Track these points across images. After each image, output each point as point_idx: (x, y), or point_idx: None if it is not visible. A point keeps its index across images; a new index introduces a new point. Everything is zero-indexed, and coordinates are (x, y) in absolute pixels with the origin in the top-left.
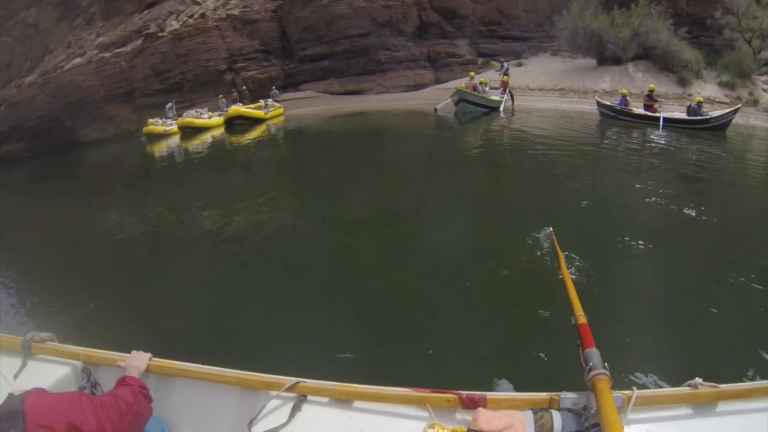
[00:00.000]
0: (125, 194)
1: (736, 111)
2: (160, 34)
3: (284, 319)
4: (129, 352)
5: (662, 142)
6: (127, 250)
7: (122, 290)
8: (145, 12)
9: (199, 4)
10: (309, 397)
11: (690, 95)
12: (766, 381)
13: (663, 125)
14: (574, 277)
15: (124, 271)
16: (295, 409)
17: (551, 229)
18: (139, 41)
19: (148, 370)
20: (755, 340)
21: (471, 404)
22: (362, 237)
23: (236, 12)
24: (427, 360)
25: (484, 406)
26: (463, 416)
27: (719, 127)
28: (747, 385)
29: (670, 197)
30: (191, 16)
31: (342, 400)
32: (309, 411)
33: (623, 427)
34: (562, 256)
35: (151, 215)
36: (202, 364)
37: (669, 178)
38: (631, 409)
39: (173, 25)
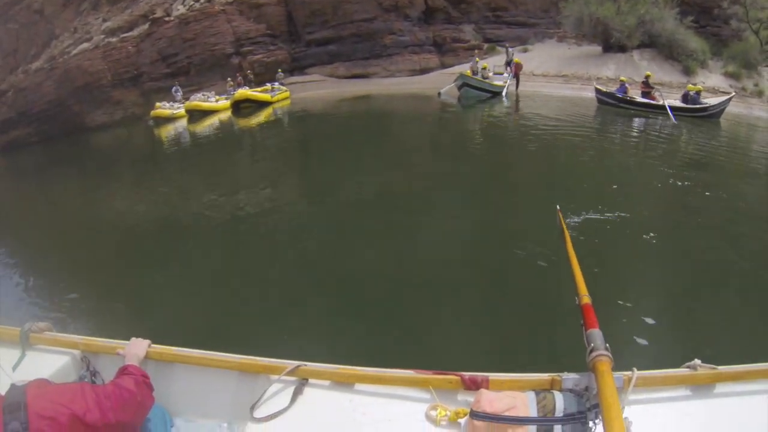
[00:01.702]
0: (132, 178)
1: (729, 100)
2: (166, 19)
3: (286, 302)
4: (128, 340)
5: (659, 128)
6: (130, 235)
7: (123, 276)
8: None
9: None
10: (310, 381)
11: (694, 84)
12: (763, 363)
13: (674, 115)
14: (578, 256)
15: (126, 255)
16: (297, 392)
17: (558, 207)
18: (146, 26)
19: (147, 356)
20: (755, 323)
21: (473, 386)
22: (365, 219)
23: None
24: (430, 342)
25: (487, 388)
26: (465, 398)
27: (714, 115)
28: (744, 367)
29: (672, 181)
30: (197, 1)
31: (344, 383)
32: (310, 394)
33: (621, 408)
34: (568, 234)
35: (156, 199)
36: (202, 349)
37: (670, 162)
38: (632, 389)
39: (180, 9)
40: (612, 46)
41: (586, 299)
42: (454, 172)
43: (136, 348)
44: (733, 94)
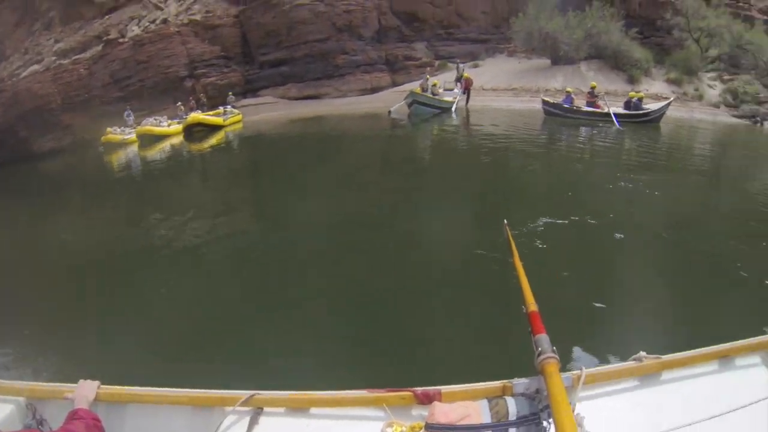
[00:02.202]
0: (80, 207)
1: (668, 104)
2: (120, 40)
3: (237, 330)
4: (76, 382)
5: (605, 135)
6: (76, 267)
7: (68, 312)
8: (106, 17)
9: (161, 9)
10: (265, 409)
11: (637, 91)
12: (703, 348)
13: (618, 121)
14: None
15: (71, 289)
16: (252, 422)
17: (505, 221)
18: (99, 47)
19: (97, 398)
20: (694, 311)
21: (426, 399)
22: (317, 241)
23: (199, 17)
24: (382, 360)
25: (440, 400)
26: (419, 412)
27: (655, 119)
28: (687, 353)
29: (620, 183)
30: (153, 22)
31: (299, 409)
32: (266, 423)
33: (572, 406)
34: (515, 246)
35: (105, 228)
36: (154, 386)
37: (617, 166)
38: (581, 387)
39: (134, 30)
40: (560, 58)
41: (533, 307)
42: (405, 188)
43: (85, 390)
44: (672, 98)
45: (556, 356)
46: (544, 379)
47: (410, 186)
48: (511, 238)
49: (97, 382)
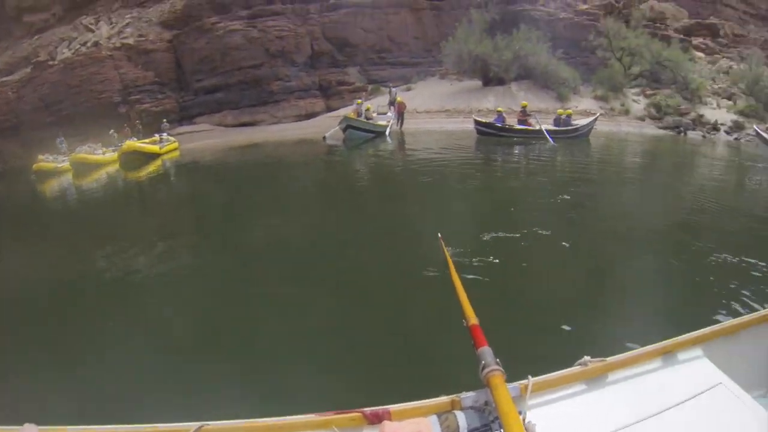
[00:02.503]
0: (8, 241)
1: (596, 119)
2: (50, 63)
3: (180, 361)
4: (10, 426)
5: (538, 151)
6: (5, 304)
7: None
8: (35, 38)
9: (92, 31)
10: None
11: (566, 108)
12: (647, 347)
13: (552, 139)
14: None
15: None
16: None
17: (439, 234)
18: (28, 69)
19: None
20: (632, 313)
21: (375, 419)
22: (253, 267)
23: (131, 41)
24: (328, 383)
25: (389, 419)
26: None
27: (584, 134)
28: (631, 353)
29: (554, 197)
30: (84, 44)
31: None
32: None
33: (522, 415)
34: (451, 261)
35: (37, 263)
36: (97, 424)
37: (550, 180)
38: (529, 395)
39: (65, 53)
40: (491, 79)
41: (474, 321)
42: (343, 211)
43: None
44: (599, 114)
45: (500, 368)
46: (490, 391)
47: (348, 208)
48: (446, 252)
49: (34, 425)
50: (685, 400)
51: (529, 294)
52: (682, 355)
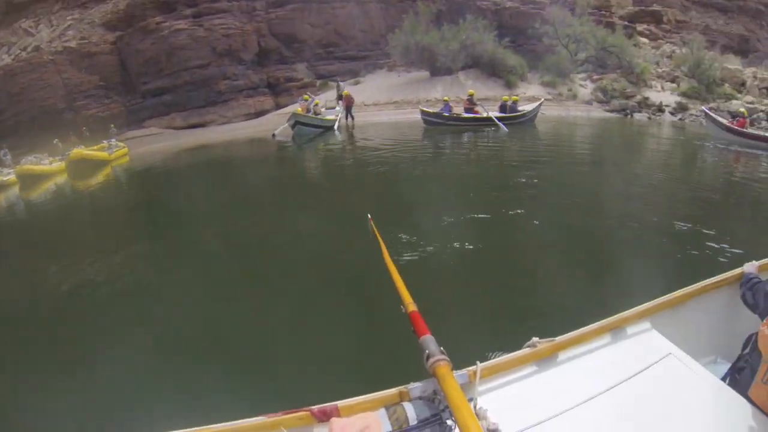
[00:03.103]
0: None
1: (541, 104)
2: None
3: (132, 372)
4: None
5: (486, 138)
6: None
7: None
8: None
9: (33, 35)
10: None
11: (512, 95)
12: (595, 324)
13: (503, 124)
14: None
15: None
16: None
17: (369, 215)
18: None
19: None
20: (579, 290)
21: (324, 416)
22: (205, 268)
23: (73, 44)
24: (273, 384)
25: (338, 416)
26: (319, 430)
27: (531, 119)
28: (579, 331)
29: (504, 180)
30: (24, 49)
31: None
32: None
33: (472, 401)
34: (383, 243)
35: None
36: None
37: (500, 165)
38: (479, 381)
39: (5, 59)
40: (439, 69)
41: (412, 307)
42: (292, 208)
43: None
44: (543, 99)
45: (446, 356)
46: (437, 381)
47: (297, 205)
48: (378, 235)
49: None
50: (636, 374)
51: (477, 277)
52: (630, 329)
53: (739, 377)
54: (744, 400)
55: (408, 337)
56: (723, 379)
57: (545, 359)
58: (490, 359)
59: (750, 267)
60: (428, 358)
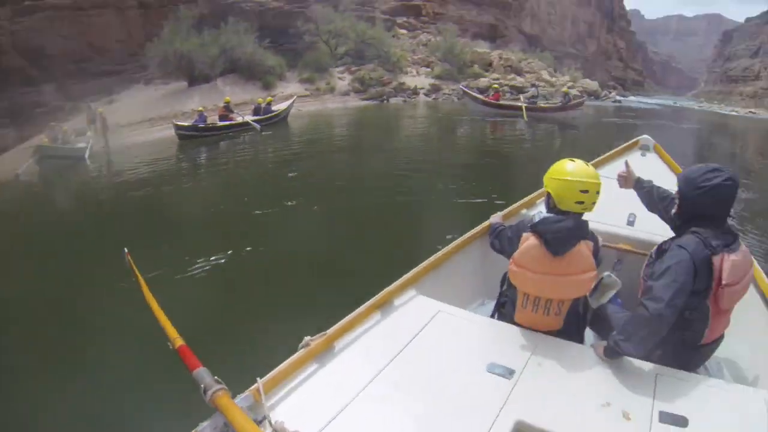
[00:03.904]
0: None
1: (293, 102)
2: None
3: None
4: None
5: (242, 144)
6: None
7: None
8: None
9: None
10: None
11: (266, 96)
12: (362, 305)
13: (260, 126)
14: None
15: None
16: None
17: (126, 250)
18: None
19: None
20: (349, 274)
21: None
22: None
23: None
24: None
25: None
26: None
27: (285, 118)
28: (349, 317)
29: (268, 182)
30: None
31: None
32: None
33: (258, 426)
34: (141, 278)
35: None
36: None
37: (261, 169)
38: (265, 397)
39: None
40: (197, 78)
41: (179, 341)
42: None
43: None
44: (296, 96)
45: (223, 385)
46: (221, 412)
47: (50, 250)
48: (136, 270)
49: None
50: (412, 339)
51: (239, 292)
52: (398, 301)
53: (504, 310)
54: (512, 326)
55: (177, 375)
56: (492, 316)
57: (323, 353)
58: (269, 373)
59: (495, 218)
60: (205, 391)
